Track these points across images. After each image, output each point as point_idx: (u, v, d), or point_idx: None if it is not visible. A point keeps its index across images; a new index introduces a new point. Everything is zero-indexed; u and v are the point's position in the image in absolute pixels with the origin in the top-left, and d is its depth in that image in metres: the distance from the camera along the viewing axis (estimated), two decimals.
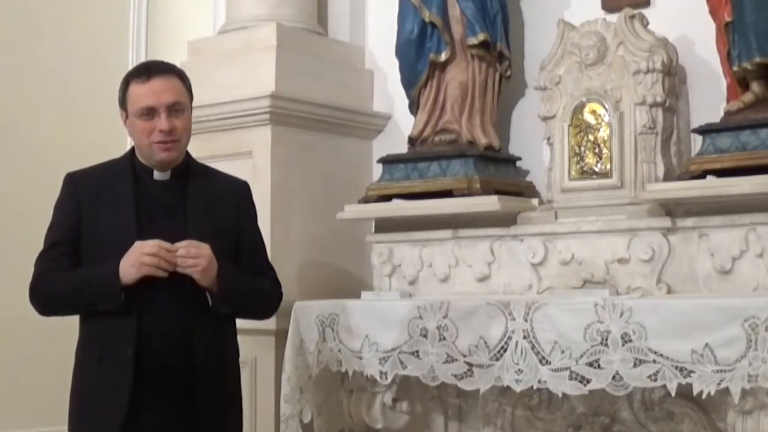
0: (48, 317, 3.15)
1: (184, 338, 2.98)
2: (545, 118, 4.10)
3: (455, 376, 3.56)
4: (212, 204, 3.12)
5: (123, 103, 3.09)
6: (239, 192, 3.27)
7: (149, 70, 3.08)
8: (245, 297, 3.12)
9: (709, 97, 3.92)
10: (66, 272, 3.03)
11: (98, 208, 3.04)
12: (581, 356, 3.30)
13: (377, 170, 4.55)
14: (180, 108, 3.04)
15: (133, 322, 2.95)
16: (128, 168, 3.11)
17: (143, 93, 3.02)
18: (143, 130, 3.03)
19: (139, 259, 2.91)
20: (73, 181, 3.12)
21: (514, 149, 4.44)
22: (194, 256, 2.94)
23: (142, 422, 2.94)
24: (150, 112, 3.01)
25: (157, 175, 3.09)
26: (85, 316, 3.08)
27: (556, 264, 3.99)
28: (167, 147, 3.03)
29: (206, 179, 3.18)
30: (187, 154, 3.20)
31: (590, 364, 3.29)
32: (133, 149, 3.16)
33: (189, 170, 3.16)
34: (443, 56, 4.27)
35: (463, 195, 4.12)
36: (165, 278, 2.94)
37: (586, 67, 4.00)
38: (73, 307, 3.07)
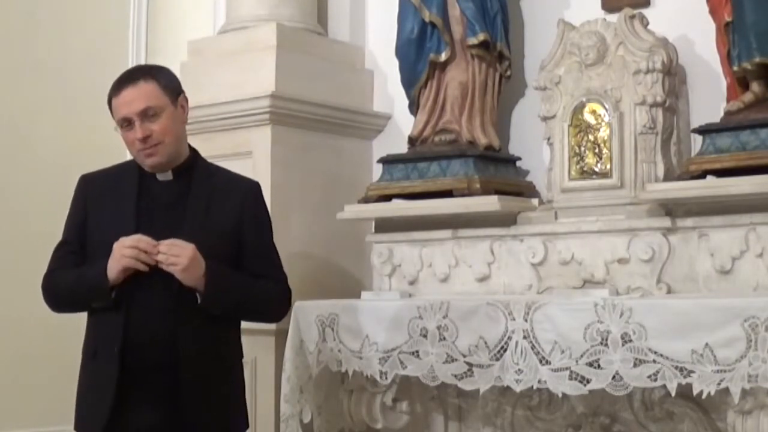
0: (59, 314, 3.19)
1: (172, 339, 2.98)
2: (545, 118, 4.11)
3: (455, 376, 3.56)
4: (214, 203, 3.11)
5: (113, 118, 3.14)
6: (246, 192, 3.23)
7: (121, 81, 3.09)
8: (239, 298, 3.09)
9: (709, 97, 3.92)
10: (65, 272, 3.09)
11: (102, 208, 3.09)
12: (581, 356, 3.30)
13: (377, 170, 4.55)
14: (154, 112, 3.03)
15: (120, 320, 2.97)
16: (134, 169, 3.13)
17: (117, 105, 3.05)
18: (127, 140, 3.08)
19: (119, 252, 2.94)
20: (84, 182, 3.18)
21: (514, 149, 4.44)
22: (175, 255, 2.95)
23: (129, 420, 2.95)
24: (127, 123, 3.04)
25: (159, 175, 3.11)
26: (88, 314, 3.12)
27: (556, 264, 3.99)
28: (150, 153, 3.04)
29: (211, 178, 3.17)
30: (195, 153, 3.20)
31: (590, 364, 3.29)
32: None
33: (194, 169, 3.16)
34: (443, 56, 4.27)
35: (463, 195, 4.12)
36: (154, 277, 2.95)
37: (586, 67, 4.00)
38: (74, 305, 3.13)
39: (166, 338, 2.97)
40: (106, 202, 3.09)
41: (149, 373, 2.96)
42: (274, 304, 3.25)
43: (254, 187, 3.27)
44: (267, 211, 3.30)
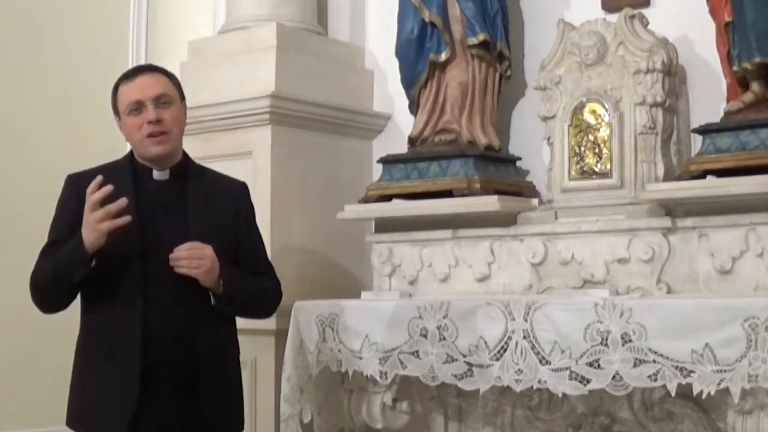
0: (50, 313, 3.13)
1: (187, 336, 3.01)
2: (545, 118, 4.11)
3: (455, 376, 3.56)
4: (212, 204, 3.14)
5: (114, 107, 3.13)
6: (238, 192, 3.29)
7: (136, 70, 3.15)
8: (247, 297, 3.14)
9: (709, 97, 3.92)
10: (48, 259, 3.03)
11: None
12: (581, 356, 3.30)
13: (377, 170, 4.55)
14: (167, 100, 3.07)
15: (138, 320, 2.97)
16: (128, 168, 3.12)
17: (130, 88, 3.07)
18: (133, 126, 3.06)
19: (90, 223, 2.89)
20: (75, 182, 3.13)
21: (514, 149, 4.44)
22: (198, 257, 2.96)
23: (146, 419, 2.96)
24: (138, 107, 3.04)
25: (156, 174, 3.11)
26: (86, 311, 3.09)
27: (556, 264, 3.99)
28: (158, 140, 3.05)
29: (205, 179, 3.20)
30: (185, 154, 3.21)
31: (590, 364, 3.29)
32: (132, 150, 3.17)
33: (188, 170, 3.17)
34: (443, 56, 4.27)
35: (463, 195, 4.12)
36: (169, 276, 2.96)
37: (586, 67, 4.00)
38: (56, 287, 3.02)
39: (184, 337, 3.00)
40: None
41: (168, 371, 2.98)
42: (273, 301, 3.32)
43: (245, 187, 3.33)
44: (254, 209, 3.34)
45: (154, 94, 3.04)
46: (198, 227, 3.03)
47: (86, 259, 2.93)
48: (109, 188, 2.89)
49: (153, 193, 3.09)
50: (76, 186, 3.11)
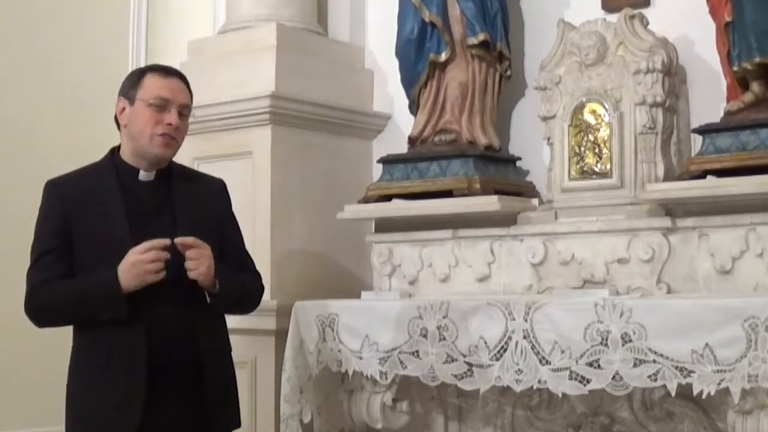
0: (42, 328, 3.10)
1: (187, 337, 3.01)
2: (545, 118, 4.11)
3: (455, 376, 3.56)
4: (197, 204, 3.14)
5: (131, 90, 3.07)
6: (218, 190, 3.29)
7: (170, 69, 3.15)
8: (239, 295, 3.15)
9: (709, 97, 3.92)
10: (62, 283, 2.98)
11: (87, 213, 3.00)
12: (581, 356, 3.30)
13: (377, 170, 4.55)
14: (187, 113, 3.11)
15: (142, 325, 2.95)
16: (112, 170, 3.08)
17: (162, 84, 3.06)
18: (150, 119, 3.03)
19: (140, 267, 2.89)
20: (57, 187, 3.07)
21: (514, 149, 4.44)
22: (196, 258, 2.96)
23: (150, 422, 2.95)
24: (163, 104, 3.03)
25: (142, 175, 3.08)
26: (87, 326, 3.05)
27: (556, 264, 3.99)
28: (168, 143, 3.05)
29: (188, 180, 3.21)
30: None
31: (590, 364, 3.29)
32: (113, 150, 3.14)
33: (171, 171, 3.17)
34: (443, 56, 4.27)
35: (463, 195, 4.12)
36: (165, 277, 2.95)
37: (586, 67, 4.01)
38: (72, 319, 3.04)
39: (183, 338, 3.00)
40: (89, 207, 3.00)
41: (169, 374, 2.97)
42: (258, 296, 3.31)
43: (223, 185, 3.33)
44: (232, 205, 3.34)
45: (182, 101, 3.07)
46: (186, 229, 3.01)
47: (121, 301, 2.91)
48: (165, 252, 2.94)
49: (139, 195, 3.06)
50: (59, 189, 3.06)
